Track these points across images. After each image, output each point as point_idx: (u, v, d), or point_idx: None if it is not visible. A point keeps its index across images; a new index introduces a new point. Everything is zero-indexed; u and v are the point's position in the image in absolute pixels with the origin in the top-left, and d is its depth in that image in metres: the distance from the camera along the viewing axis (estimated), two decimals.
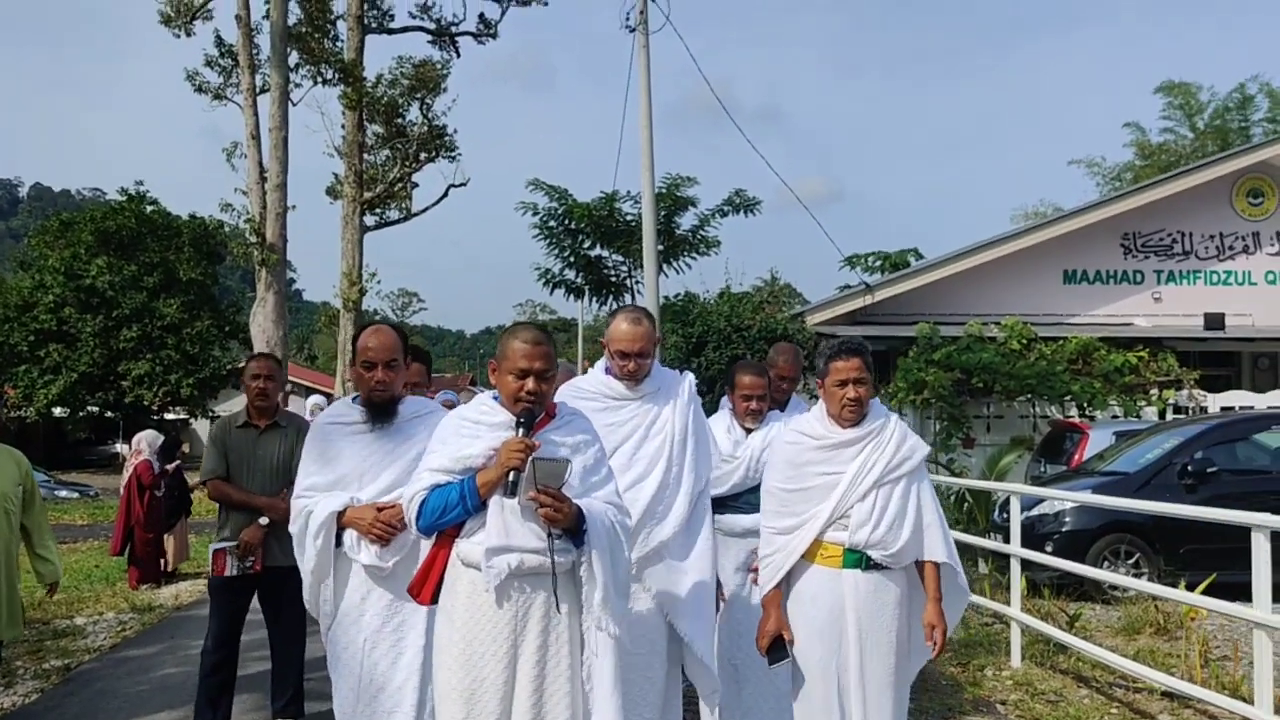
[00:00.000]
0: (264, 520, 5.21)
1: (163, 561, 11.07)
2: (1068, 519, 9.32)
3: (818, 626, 3.74)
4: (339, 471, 4.01)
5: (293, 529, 4.05)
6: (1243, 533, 4.97)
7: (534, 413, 3.17)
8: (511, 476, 3.03)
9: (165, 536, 11.13)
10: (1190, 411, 14.52)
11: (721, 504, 4.64)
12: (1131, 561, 9.12)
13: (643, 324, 4.02)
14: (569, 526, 3.08)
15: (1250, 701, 4.76)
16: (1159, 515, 7.59)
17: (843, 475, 3.76)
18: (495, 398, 3.31)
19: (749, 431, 4.80)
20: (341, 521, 3.92)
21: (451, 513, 3.12)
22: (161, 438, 11.54)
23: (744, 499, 4.73)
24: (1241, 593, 5.05)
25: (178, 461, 11.91)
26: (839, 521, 3.74)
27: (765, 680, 4.46)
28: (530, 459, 3.03)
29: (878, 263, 30.85)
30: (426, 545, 3.31)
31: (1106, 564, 9.02)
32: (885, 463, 3.75)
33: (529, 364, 3.15)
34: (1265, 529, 4.58)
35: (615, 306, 20.06)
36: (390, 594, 3.87)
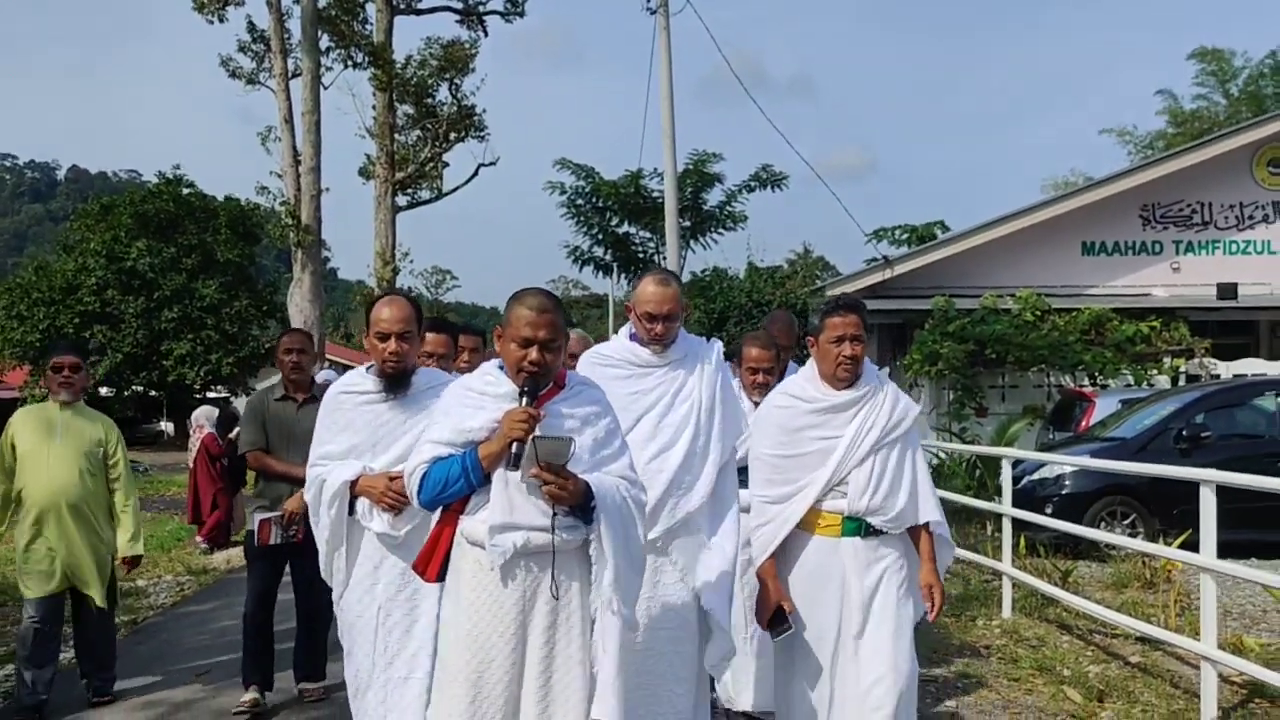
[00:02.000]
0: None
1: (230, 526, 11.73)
2: (1067, 482, 9.76)
3: (818, 598, 3.68)
4: (352, 441, 4.00)
5: (307, 497, 4.11)
6: (1232, 494, 5.40)
7: (539, 383, 3.06)
8: (514, 448, 2.92)
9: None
10: (1202, 380, 14.84)
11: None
12: (1127, 522, 9.55)
13: (670, 285, 3.91)
14: (577, 504, 2.98)
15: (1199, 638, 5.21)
16: (1152, 477, 8.09)
17: (839, 439, 3.66)
18: (500, 367, 3.18)
19: (757, 404, 4.67)
20: (354, 490, 3.92)
21: (453, 487, 3.03)
22: (217, 411, 12.22)
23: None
24: (1238, 550, 5.45)
25: (238, 429, 12.56)
26: (836, 489, 3.67)
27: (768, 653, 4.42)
28: (531, 438, 2.91)
29: (904, 236, 30.98)
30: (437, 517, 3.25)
31: (1104, 524, 9.44)
32: (882, 425, 3.67)
33: (533, 333, 3.02)
34: (1211, 483, 5.03)
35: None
36: (404, 562, 3.81)
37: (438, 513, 3.17)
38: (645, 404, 3.85)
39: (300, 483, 5.26)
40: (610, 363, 3.94)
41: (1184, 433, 9.60)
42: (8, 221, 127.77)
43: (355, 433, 4.00)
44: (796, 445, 3.73)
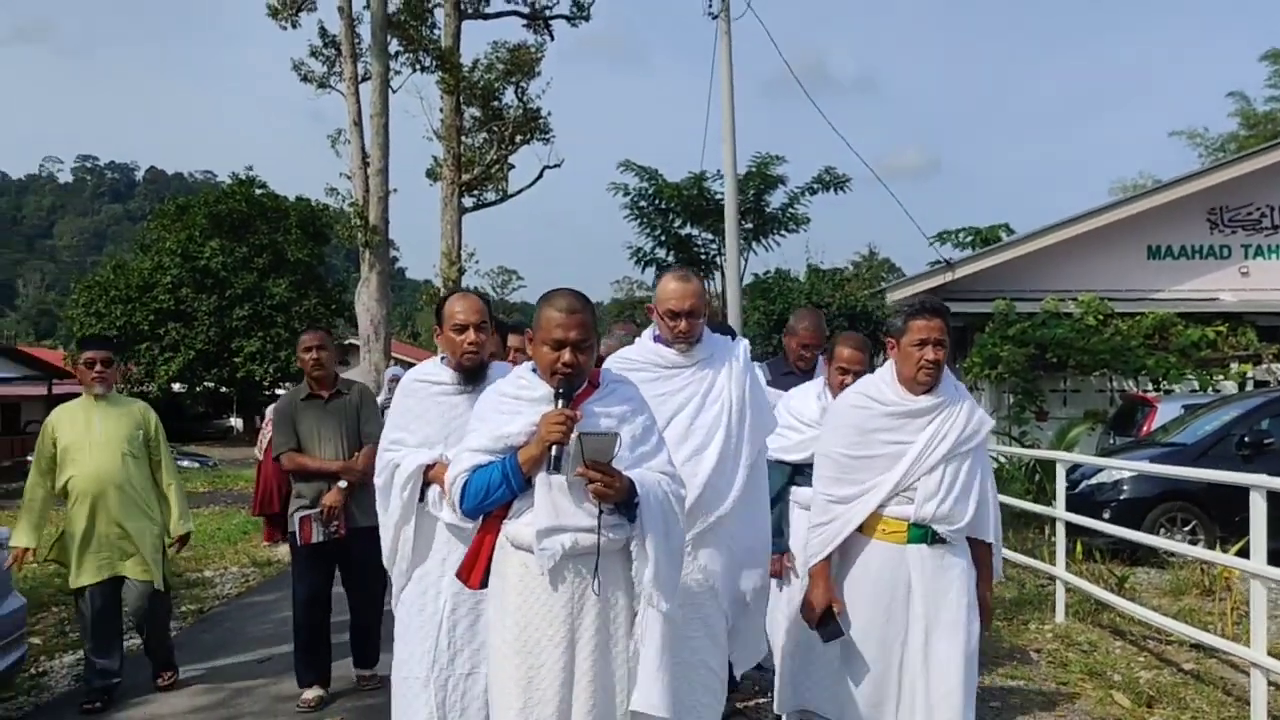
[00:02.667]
0: (342, 484, 5.43)
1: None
2: (1125, 487, 9.69)
3: (883, 605, 3.61)
4: (425, 431, 3.96)
5: (378, 481, 4.03)
6: None
7: (573, 384, 3.04)
8: (554, 451, 2.89)
9: None
10: (1270, 386, 14.60)
11: (798, 471, 4.53)
12: (1187, 528, 9.45)
13: (691, 281, 3.85)
14: (621, 501, 2.95)
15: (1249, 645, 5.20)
16: (1213, 484, 8.02)
17: (911, 446, 3.59)
18: (534, 370, 3.15)
19: None
20: (428, 476, 3.87)
21: (495, 493, 2.99)
22: None
23: None
24: None
25: None
26: (902, 494, 3.59)
27: (827, 658, 4.32)
28: (576, 434, 2.89)
29: (969, 238, 30.74)
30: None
31: (1163, 530, 9.37)
32: (956, 435, 3.59)
33: (564, 334, 3.00)
34: (1262, 489, 5.03)
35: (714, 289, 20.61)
36: None
37: (479, 520, 3.14)
38: (674, 406, 3.78)
39: (334, 477, 5.47)
40: (635, 366, 3.84)
41: (1246, 439, 9.49)
42: (88, 221, 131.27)
43: (428, 423, 3.96)
44: (867, 447, 3.65)
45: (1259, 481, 5.07)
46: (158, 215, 41.17)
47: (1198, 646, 6.36)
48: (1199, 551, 6.64)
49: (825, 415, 4.38)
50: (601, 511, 2.94)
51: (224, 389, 38.38)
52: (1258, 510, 5.04)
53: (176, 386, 36.76)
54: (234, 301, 36.09)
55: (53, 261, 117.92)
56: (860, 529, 3.65)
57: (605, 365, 3.88)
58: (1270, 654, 5.14)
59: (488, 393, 3.28)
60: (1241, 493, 5.30)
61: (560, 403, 2.98)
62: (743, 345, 4.00)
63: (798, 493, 4.47)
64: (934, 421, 3.60)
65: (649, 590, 2.98)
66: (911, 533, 3.58)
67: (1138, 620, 6.77)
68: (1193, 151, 37.73)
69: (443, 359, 4.07)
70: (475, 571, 3.13)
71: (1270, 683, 5.17)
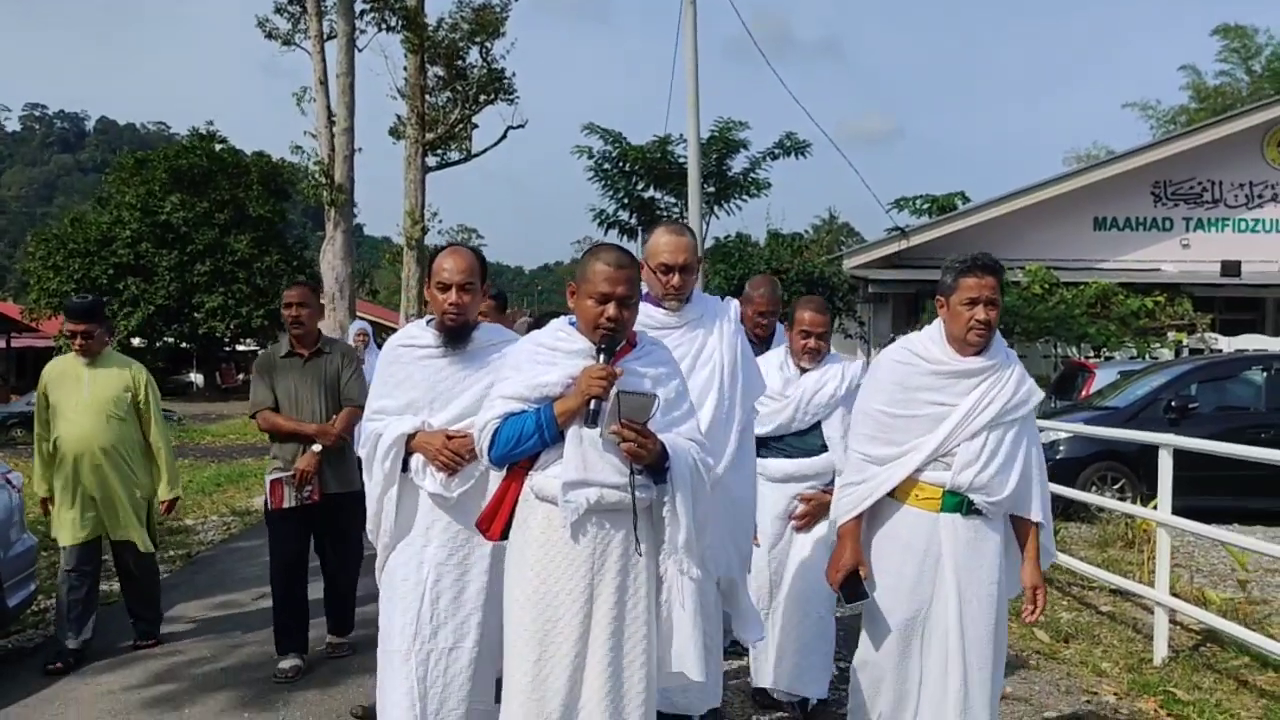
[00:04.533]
0: (316, 447, 5.26)
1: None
2: (1062, 448, 10.31)
3: (909, 575, 3.43)
4: (409, 395, 3.79)
5: (361, 452, 3.88)
6: (1215, 462, 6.15)
7: (616, 340, 3.00)
8: (593, 405, 2.88)
9: None
10: (1204, 354, 15.35)
11: (763, 444, 4.40)
12: (1117, 486, 10.10)
13: (685, 235, 3.77)
14: (651, 463, 2.93)
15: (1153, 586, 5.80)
16: (1141, 445, 8.64)
17: (955, 409, 3.39)
18: (571, 323, 3.12)
19: (803, 371, 4.56)
20: (410, 445, 3.72)
21: (527, 442, 2.96)
22: None
23: (787, 441, 4.55)
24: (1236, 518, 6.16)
25: None
26: (941, 459, 3.40)
27: (794, 630, 4.48)
28: (616, 391, 2.87)
29: (926, 205, 31.37)
30: (495, 478, 3.17)
31: (1095, 488, 9.99)
32: (1003, 402, 3.39)
33: (611, 288, 2.96)
34: (1169, 447, 5.63)
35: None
36: (456, 524, 3.68)
37: (501, 470, 3.10)
38: None
39: (310, 440, 5.29)
40: None
41: (1173, 403, 10.14)
42: (37, 171, 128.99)
43: (413, 387, 3.79)
44: (909, 406, 3.45)
45: (1166, 440, 5.69)
46: (116, 169, 40.74)
47: (1116, 592, 6.97)
48: (1116, 504, 7.30)
49: (789, 385, 4.49)
50: (633, 471, 2.92)
51: (184, 345, 38.36)
52: (1165, 466, 5.64)
53: (136, 341, 36.60)
54: (195, 257, 35.90)
55: (1, 212, 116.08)
56: (892, 493, 3.47)
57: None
58: (1172, 594, 5.74)
59: (521, 343, 3.25)
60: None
61: (602, 358, 2.96)
62: (733, 305, 3.94)
63: (762, 465, 4.33)
64: (981, 385, 3.40)
65: (681, 555, 2.99)
66: (946, 500, 3.40)
67: (1065, 569, 7.37)
68: (1145, 124, 38.69)
69: (429, 321, 3.90)
70: (496, 522, 3.11)
71: (1172, 621, 5.78)
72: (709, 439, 3.47)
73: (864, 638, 3.60)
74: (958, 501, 3.38)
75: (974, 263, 3.41)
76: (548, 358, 3.06)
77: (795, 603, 4.52)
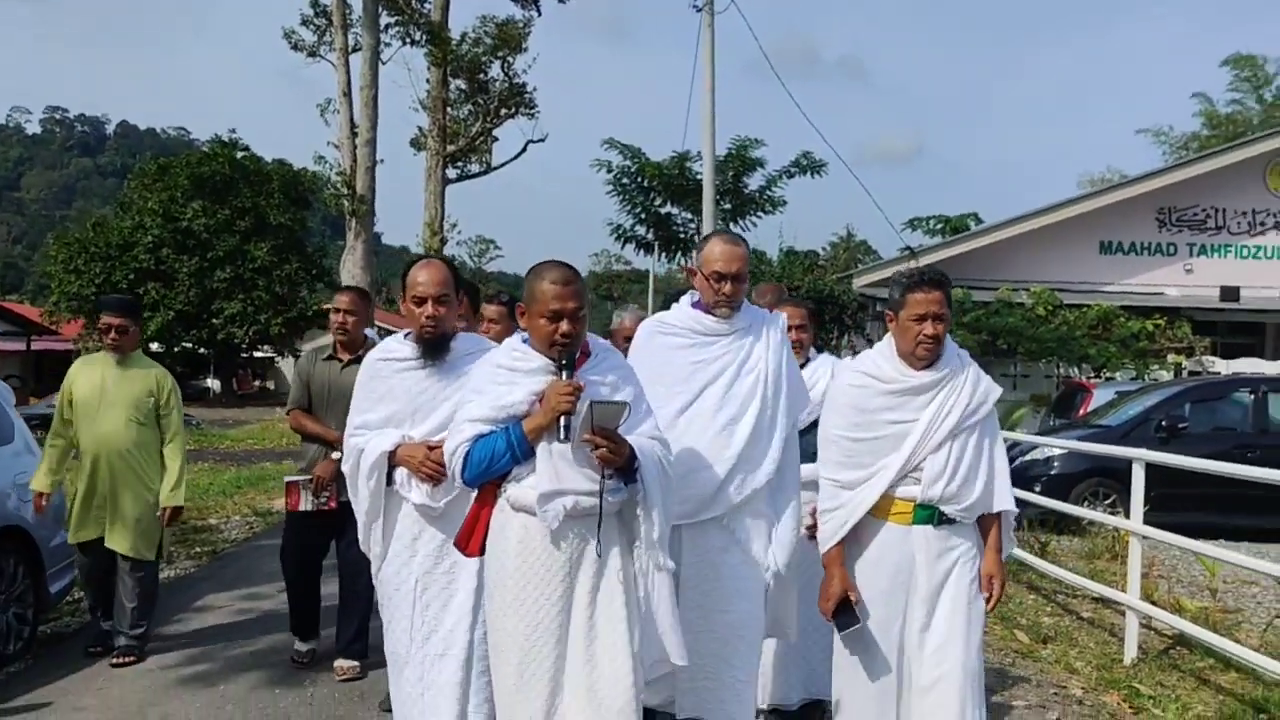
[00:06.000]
0: (336, 455, 5.07)
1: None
2: (1056, 463, 10.67)
3: (882, 588, 3.50)
4: (390, 409, 3.85)
5: (345, 468, 3.95)
6: (1204, 479, 6.49)
7: (573, 354, 3.11)
8: (563, 421, 2.98)
9: None
10: (1202, 376, 15.68)
11: None
12: (1109, 501, 10.44)
13: (740, 244, 3.80)
14: (623, 466, 3.05)
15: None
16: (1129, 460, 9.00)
17: (915, 424, 3.44)
18: (525, 341, 3.22)
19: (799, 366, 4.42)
20: (393, 459, 3.78)
21: (499, 462, 3.07)
22: None
23: None
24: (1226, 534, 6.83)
25: None
26: (910, 474, 3.45)
27: (813, 634, 4.39)
28: (589, 402, 2.96)
29: (939, 225, 31.71)
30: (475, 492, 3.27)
31: (1087, 503, 10.33)
32: (962, 409, 3.43)
33: (561, 305, 3.06)
34: (1142, 461, 5.99)
35: (683, 261, 21.33)
36: (442, 534, 3.73)
37: (475, 490, 3.23)
38: (710, 374, 3.75)
39: (333, 445, 5.21)
40: (672, 330, 3.84)
41: (1164, 423, 10.49)
42: (57, 174, 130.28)
43: (394, 401, 3.86)
44: (870, 428, 3.49)
45: (1139, 455, 6.05)
46: (138, 175, 41.37)
47: (1099, 599, 7.32)
48: (1094, 514, 7.73)
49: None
50: (604, 476, 3.04)
51: (202, 350, 38.86)
52: (1138, 479, 6.01)
53: (154, 346, 37.14)
54: (215, 264, 36.43)
55: (20, 215, 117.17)
56: (872, 512, 3.51)
57: (640, 329, 4.05)
58: (1150, 601, 6.10)
59: (479, 364, 3.38)
60: (1157, 470, 6.19)
61: (564, 374, 3.08)
62: (781, 318, 3.99)
63: None
64: (937, 397, 3.45)
65: (655, 550, 3.11)
66: (917, 514, 3.46)
67: (1051, 578, 7.72)
68: (1157, 149, 39.05)
69: (406, 334, 3.95)
70: (474, 539, 3.24)
71: (1147, 626, 6.14)
72: (751, 445, 3.68)
73: (851, 648, 3.59)
74: (929, 514, 3.46)
75: (921, 277, 3.46)
76: (507, 378, 3.17)
77: (812, 608, 4.39)
